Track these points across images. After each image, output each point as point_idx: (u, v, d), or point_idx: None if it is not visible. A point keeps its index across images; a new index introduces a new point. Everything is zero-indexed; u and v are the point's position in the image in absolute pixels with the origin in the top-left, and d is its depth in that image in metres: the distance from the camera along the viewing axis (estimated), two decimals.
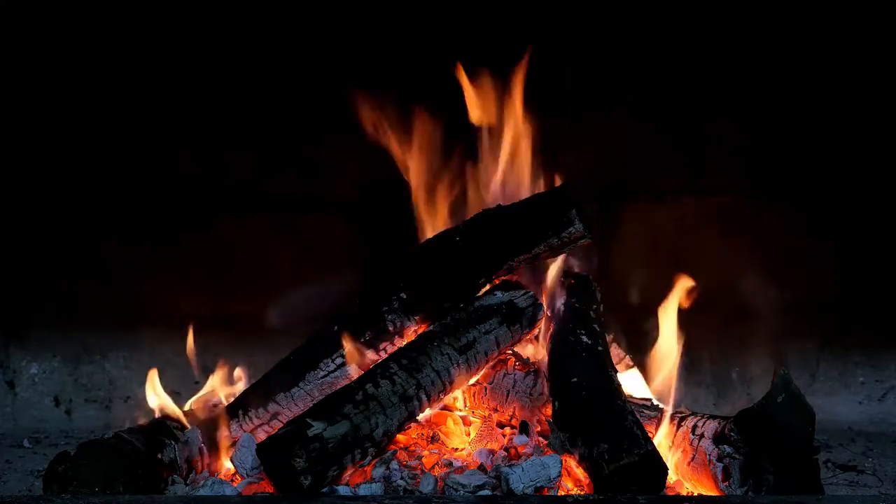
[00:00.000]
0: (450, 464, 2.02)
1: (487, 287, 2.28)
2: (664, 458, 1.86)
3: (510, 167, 2.47)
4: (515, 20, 2.82)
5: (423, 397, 2.02)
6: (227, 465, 2.14)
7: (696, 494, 1.94)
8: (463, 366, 2.10)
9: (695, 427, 2.00)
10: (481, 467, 1.97)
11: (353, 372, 2.18)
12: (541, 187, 2.44)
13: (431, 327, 2.17)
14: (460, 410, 2.28)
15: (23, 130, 2.94)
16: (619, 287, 2.85)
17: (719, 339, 2.99)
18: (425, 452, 2.08)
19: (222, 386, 2.35)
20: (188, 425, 2.14)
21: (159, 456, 1.98)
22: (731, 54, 2.94)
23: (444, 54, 2.64)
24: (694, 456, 1.96)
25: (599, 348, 2.17)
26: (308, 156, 2.99)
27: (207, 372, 2.46)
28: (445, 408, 2.24)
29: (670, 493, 1.96)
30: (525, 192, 2.41)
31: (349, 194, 3.01)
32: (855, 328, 3.06)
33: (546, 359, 2.22)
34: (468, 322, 2.15)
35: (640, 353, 2.44)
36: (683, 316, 2.35)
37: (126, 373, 3.04)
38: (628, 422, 1.87)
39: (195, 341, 2.41)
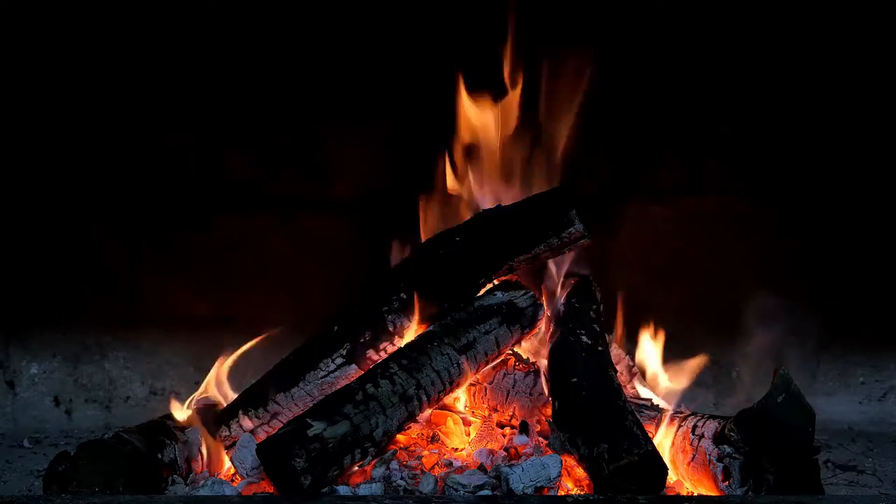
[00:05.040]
0: (450, 464, 2.02)
1: (487, 287, 2.28)
2: (664, 458, 1.86)
3: (510, 167, 2.47)
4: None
5: (423, 397, 2.02)
6: (227, 465, 2.14)
7: (696, 494, 1.94)
8: (463, 366, 2.10)
9: (695, 427, 2.00)
10: (481, 467, 1.97)
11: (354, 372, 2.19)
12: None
13: (431, 327, 2.17)
14: (460, 411, 2.28)
15: (23, 130, 2.94)
16: (618, 287, 2.85)
17: (719, 339, 2.98)
18: (425, 452, 2.07)
19: (222, 386, 2.34)
20: (193, 425, 2.14)
21: (159, 456, 1.98)
22: (732, 56, 2.94)
23: (441, 56, 2.65)
24: (694, 456, 1.96)
25: (599, 348, 2.16)
26: (308, 156, 3.00)
27: (207, 372, 2.46)
28: (445, 408, 2.24)
29: (670, 493, 1.96)
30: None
31: (349, 194, 3.01)
32: (855, 328, 3.06)
33: (546, 359, 2.22)
34: (468, 322, 2.15)
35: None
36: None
37: (126, 373, 3.04)
38: (628, 422, 1.87)
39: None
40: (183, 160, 2.99)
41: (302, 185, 3.02)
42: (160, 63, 2.92)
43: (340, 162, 2.98)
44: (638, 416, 1.95)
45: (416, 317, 2.23)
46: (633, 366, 2.42)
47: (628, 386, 2.33)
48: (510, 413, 2.23)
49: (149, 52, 2.90)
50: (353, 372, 2.18)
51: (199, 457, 2.11)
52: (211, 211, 3.00)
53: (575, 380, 2.02)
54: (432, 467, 2.01)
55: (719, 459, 1.88)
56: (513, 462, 1.99)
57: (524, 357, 2.31)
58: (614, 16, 2.89)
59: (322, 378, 2.19)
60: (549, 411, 2.10)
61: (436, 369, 2.05)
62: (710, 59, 2.94)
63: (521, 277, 2.34)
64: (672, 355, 2.40)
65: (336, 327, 2.25)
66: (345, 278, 2.84)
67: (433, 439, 2.15)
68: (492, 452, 2.07)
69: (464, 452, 2.12)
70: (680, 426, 2.06)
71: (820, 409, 1.92)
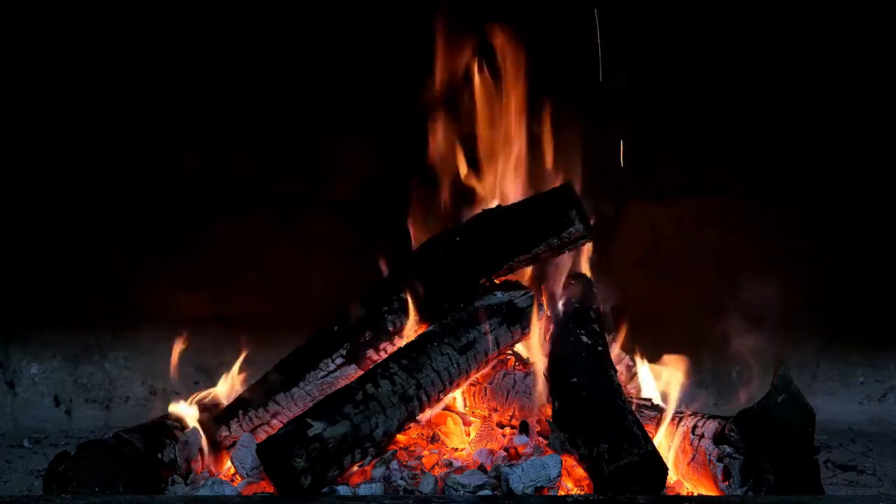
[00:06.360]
0: (450, 464, 2.02)
1: (488, 287, 2.28)
2: (664, 458, 1.86)
3: (512, 167, 2.47)
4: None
5: (423, 397, 2.02)
6: (227, 465, 2.14)
7: (696, 494, 1.94)
8: (463, 366, 2.10)
9: (695, 427, 2.00)
10: (481, 467, 1.97)
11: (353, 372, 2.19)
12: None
13: (431, 327, 2.17)
14: (460, 410, 2.28)
15: (24, 131, 2.94)
16: (618, 286, 2.85)
17: (719, 339, 2.99)
18: (425, 452, 2.08)
19: (222, 386, 2.35)
20: (189, 425, 2.14)
21: (159, 456, 1.98)
22: (733, 57, 2.94)
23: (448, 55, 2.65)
24: (694, 456, 1.96)
25: (599, 348, 2.17)
26: (308, 156, 3.00)
27: (207, 372, 2.46)
28: (445, 408, 2.24)
29: (670, 493, 1.96)
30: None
31: (349, 194, 3.01)
32: (855, 328, 3.07)
33: (546, 359, 2.22)
34: (468, 322, 2.15)
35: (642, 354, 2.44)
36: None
37: (126, 373, 3.04)
38: (628, 422, 1.87)
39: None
40: (183, 160, 2.98)
41: (301, 186, 3.02)
42: (161, 64, 2.92)
43: (340, 162, 2.98)
44: (638, 416, 1.95)
45: (416, 317, 2.23)
46: (633, 366, 2.42)
47: (628, 386, 2.34)
48: (510, 413, 2.23)
49: (150, 53, 2.90)
50: (353, 372, 2.18)
51: (199, 457, 2.11)
52: (211, 211, 3.00)
53: (575, 380, 2.02)
54: (432, 467, 2.01)
55: (719, 459, 1.87)
56: (513, 462, 1.99)
57: (524, 357, 2.31)
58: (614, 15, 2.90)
59: (322, 378, 2.19)
60: (549, 411, 2.10)
61: (436, 369, 2.05)
62: (711, 60, 2.94)
63: (520, 277, 2.34)
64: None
65: (336, 327, 2.25)
66: (345, 278, 2.83)
67: (433, 439, 2.15)
68: (492, 452, 2.07)
69: (464, 452, 2.12)
70: (680, 426, 2.06)
71: (820, 409, 1.92)
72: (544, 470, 1.86)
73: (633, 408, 2.03)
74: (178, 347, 2.36)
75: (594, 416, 1.92)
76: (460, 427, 2.20)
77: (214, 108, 2.94)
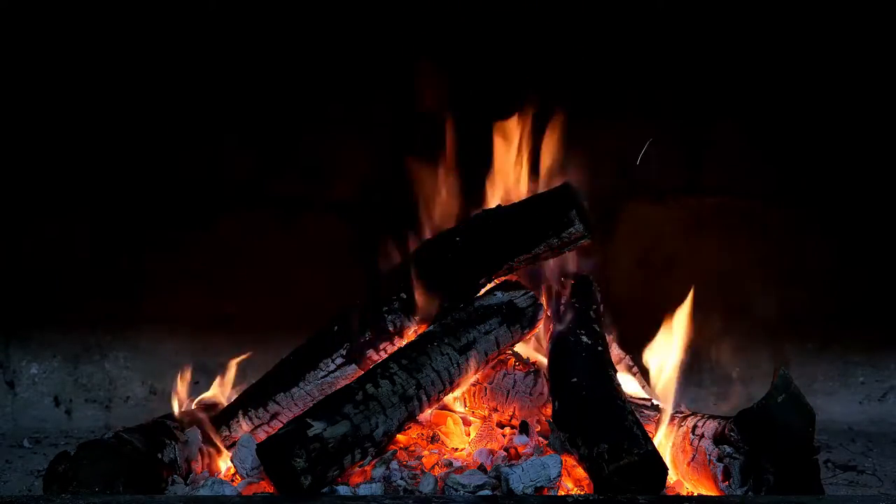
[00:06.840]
0: (450, 464, 2.02)
1: (487, 287, 2.28)
2: (664, 458, 1.86)
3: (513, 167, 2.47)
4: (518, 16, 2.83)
5: (423, 397, 2.02)
6: (226, 465, 2.14)
7: (696, 494, 1.94)
8: (463, 366, 2.10)
9: (695, 427, 2.00)
10: (481, 467, 1.97)
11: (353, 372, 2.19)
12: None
13: (431, 327, 2.17)
14: (460, 411, 2.28)
15: (24, 130, 2.94)
16: (619, 286, 2.85)
17: (719, 339, 2.99)
18: (425, 452, 2.08)
19: (222, 386, 2.34)
20: (190, 425, 2.14)
21: (159, 456, 1.98)
22: (733, 57, 2.94)
23: (450, 57, 2.65)
24: (694, 456, 1.96)
25: (599, 348, 2.17)
26: (308, 156, 3.00)
27: (207, 372, 2.46)
28: (445, 408, 2.24)
29: (670, 493, 1.96)
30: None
31: (349, 194, 3.01)
32: (855, 328, 3.07)
33: (546, 359, 2.22)
34: (468, 322, 2.15)
35: (640, 353, 2.44)
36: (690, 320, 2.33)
37: (126, 373, 3.04)
38: (628, 422, 1.87)
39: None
40: (183, 160, 2.98)
41: (302, 186, 3.02)
42: (161, 64, 2.91)
43: (340, 162, 2.98)
44: (638, 416, 1.95)
45: (416, 317, 2.23)
46: (633, 366, 2.42)
47: (630, 383, 2.33)
48: (510, 413, 2.23)
49: (149, 52, 2.90)
50: (353, 372, 2.19)
51: (199, 457, 2.11)
52: (211, 211, 3.00)
53: (575, 380, 2.02)
54: (432, 467, 2.01)
55: (719, 459, 1.88)
56: (513, 462, 1.99)
57: (524, 357, 2.31)
58: (614, 13, 2.90)
59: (322, 378, 2.19)
60: (549, 411, 2.10)
61: (436, 369, 2.05)
62: (711, 58, 2.94)
63: (521, 277, 2.34)
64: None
65: (336, 327, 2.25)
66: (345, 278, 2.84)
67: (433, 439, 2.15)
68: (492, 452, 2.07)
69: (464, 452, 2.13)
70: (680, 426, 2.06)
71: (820, 409, 1.92)
72: (544, 470, 1.86)
73: (633, 408, 2.02)
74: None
75: (594, 416, 1.92)
76: (460, 427, 2.20)
77: (215, 107, 2.94)
